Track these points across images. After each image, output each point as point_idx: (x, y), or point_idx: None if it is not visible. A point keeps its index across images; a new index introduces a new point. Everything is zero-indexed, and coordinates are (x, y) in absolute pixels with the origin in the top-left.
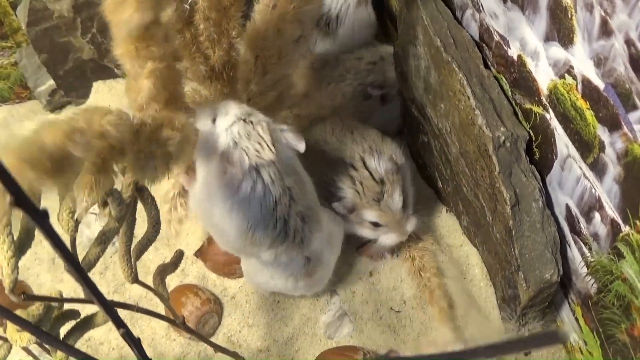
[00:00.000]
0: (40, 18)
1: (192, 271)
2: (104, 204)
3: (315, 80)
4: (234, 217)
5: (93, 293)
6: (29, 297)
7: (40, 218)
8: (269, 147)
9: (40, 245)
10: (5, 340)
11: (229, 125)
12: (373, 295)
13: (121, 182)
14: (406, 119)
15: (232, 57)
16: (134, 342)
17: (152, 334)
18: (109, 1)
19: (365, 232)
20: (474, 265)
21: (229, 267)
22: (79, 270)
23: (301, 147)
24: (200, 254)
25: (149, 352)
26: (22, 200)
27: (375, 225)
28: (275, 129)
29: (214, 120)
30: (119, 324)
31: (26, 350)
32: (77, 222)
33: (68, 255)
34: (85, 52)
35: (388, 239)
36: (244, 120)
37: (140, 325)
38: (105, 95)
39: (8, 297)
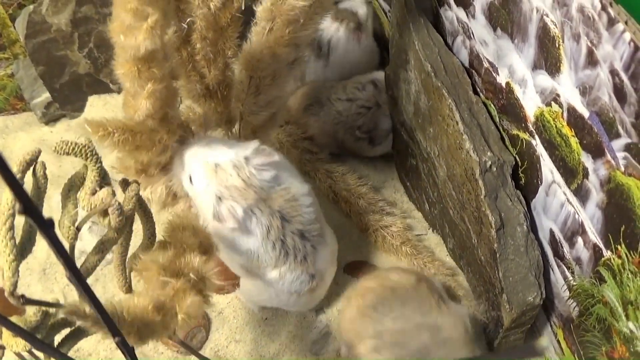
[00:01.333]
0: (39, 31)
1: None
2: (104, 214)
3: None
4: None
5: (92, 301)
6: (28, 301)
7: (46, 227)
8: (247, 188)
9: (32, 256)
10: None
11: (205, 186)
12: None
13: (124, 195)
14: (395, 142)
15: (227, 76)
16: (128, 351)
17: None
18: (116, 24)
19: None
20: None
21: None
22: (80, 278)
23: (275, 158)
24: None
25: None
26: (30, 209)
27: None
28: (243, 163)
29: (190, 179)
30: (115, 332)
31: (19, 356)
32: (77, 230)
33: (70, 264)
34: (81, 66)
35: None
36: (216, 171)
37: None
38: (100, 109)
39: (2, 303)
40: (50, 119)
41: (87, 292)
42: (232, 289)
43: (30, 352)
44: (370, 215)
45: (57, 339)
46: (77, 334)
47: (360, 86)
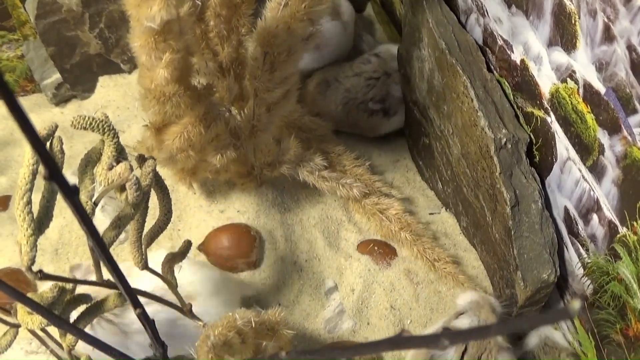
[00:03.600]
0: (49, 11)
1: None
2: (121, 190)
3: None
4: None
5: (115, 272)
6: (45, 276)
7: (71, 194)
8: None
9: (44, 236)
10: (12, 325)
11: None
12: (372, 292)
13: (141, 170)
14: (407, 121)
15: (241, 54)
16: (149, 323)
17: None
18: None
19: None
20: (472, 266)
21: (232, 262)
22: (103, 247)
23: None
24: (203, 247)
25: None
26: (56, 175)
27: None
28: None
29: None
30: (136, 303)
31: (33, 333)
32: (95, 205)
33: (94, 232)
34: (92, 46)
35: None
36: None
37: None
38: (111, 90)
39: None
40: (60, 100)
41: (110, 262)
42: (245, 267)
43: (44, 330)
44: (367, 199)
45: (74, 315)
46: (95, 310)
47: (365, 60)
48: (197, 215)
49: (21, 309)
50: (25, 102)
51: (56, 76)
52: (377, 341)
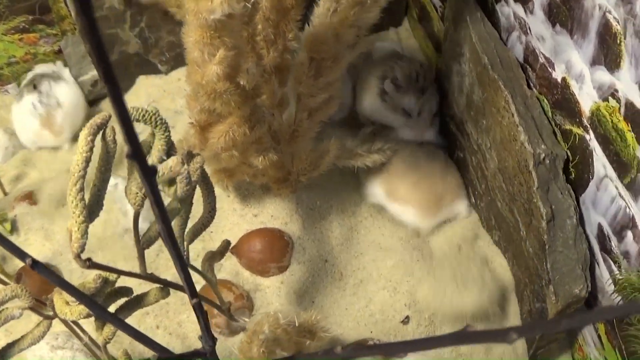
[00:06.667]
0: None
1: (227, 267)
2: (170, 183)
3: None
4: None
5: (178, 260)
6: (94, 265)
7: (149, 174)
8: None
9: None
10: (46, 317)
11: None
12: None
13: (188, 166)
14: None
15: (285, 59)
16: (203, 315)
17: (177, 326)
18: None
19: (392, 118)
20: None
21: (263, 266)
22: (170, 232)
23: None
24: (235, 250)
25: (175, 344)
26: (138, 155)
27: (406, 114)
28: None
29: None
30: (193, 293)
31: (67, 325)
32: (144, 197)
33: (164, 215)
34: (131, 45)
35: (407, 133)
36: None
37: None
38: (148, 89)
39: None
40: (96, 97)
41: (174, 248)
42: (277, 271)
43: (76, 323)
44: None
45: (112, 309)
46: (135, 304)
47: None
48: (230, 218)
49: (59, 299)
50: None
51: (93, 73)
52: (440, 336)
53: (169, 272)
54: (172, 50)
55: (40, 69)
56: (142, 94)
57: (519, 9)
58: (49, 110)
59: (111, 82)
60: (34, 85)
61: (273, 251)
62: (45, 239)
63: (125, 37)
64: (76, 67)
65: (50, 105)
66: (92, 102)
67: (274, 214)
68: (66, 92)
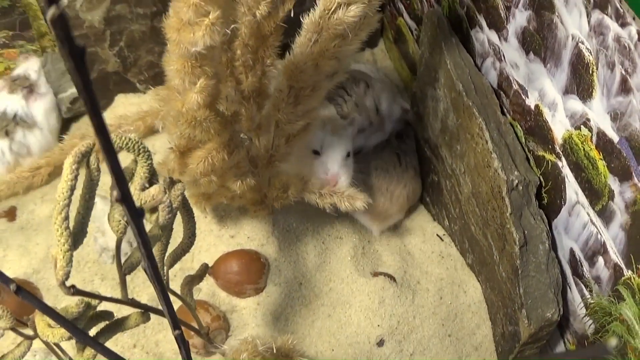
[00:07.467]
0: (71, 26)
1: (203, 287)
2: (152, 211)
3: None
4: None
5: (162, 293)
6: (78, 292)
7: (137, 217)
8: None
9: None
10: (27, 337)
11: None
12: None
13: (169, 193)
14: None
15: (263, 84)
16: (185, 346)
17: (155, 345)
18: (174, 20)
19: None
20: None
21: (240, 287)
22: (155, 269)
23: None
24: (212, 271)
25: None
26: (127, 198)
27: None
28: None
29: None
30: (175, 325)
31: (48, 345)
32: (126, 225)
33: (150, 255)
34: (110, 64)
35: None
36: None
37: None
38: (126, 108)
39: (15, 302)
40: (74, 115)
41: (158, 283)
42: (253, 293)
43: (57, 345)
44: None
45: (93, 332)
46: (115, 327)
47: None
48: (207, 239)
49: (41, 321)
50: None
51: (72, 90)
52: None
53: (147, 291)
54: (150, 69)
55: (21, 68)
56: (120, 112)
57: (494, 36)
58: (17, 158)
59: (102, 131)
60: (6, 132)
61: (249, 273)
62: (23, 255)
63: (104, 56)
64: (55, 84)
65: (20, 154)
66: (71, 120)
67: (251, 235)
68: (39, 141)
